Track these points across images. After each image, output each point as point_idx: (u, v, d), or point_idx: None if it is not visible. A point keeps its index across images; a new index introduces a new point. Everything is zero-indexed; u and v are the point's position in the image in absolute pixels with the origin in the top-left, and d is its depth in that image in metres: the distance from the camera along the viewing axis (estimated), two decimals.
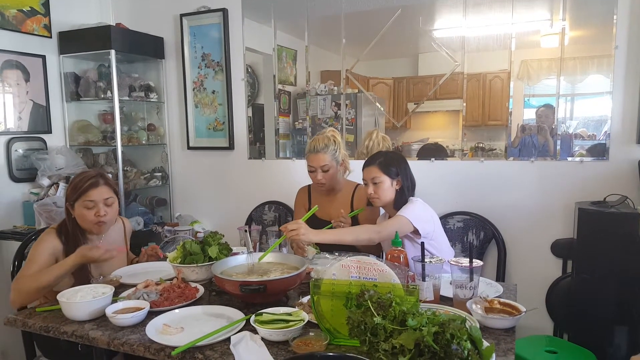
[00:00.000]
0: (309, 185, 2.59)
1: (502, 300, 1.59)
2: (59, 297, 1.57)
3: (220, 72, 3.34)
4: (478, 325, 1.39)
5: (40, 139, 3.17)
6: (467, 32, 2.71)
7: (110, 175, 2.19)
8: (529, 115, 2.72)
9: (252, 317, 1.45)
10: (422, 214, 2.09)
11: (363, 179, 2.20)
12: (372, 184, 2.14)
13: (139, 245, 2.37)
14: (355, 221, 2.40)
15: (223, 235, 2.01)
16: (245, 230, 2.11)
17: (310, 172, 2.40)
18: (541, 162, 2.61)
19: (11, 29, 2.96)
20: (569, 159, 2.56)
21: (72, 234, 1.98)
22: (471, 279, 1.59)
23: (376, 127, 3.16)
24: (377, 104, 3.07)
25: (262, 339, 1.38)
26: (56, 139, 3.27)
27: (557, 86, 2.56)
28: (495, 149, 2.79)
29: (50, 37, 3.21)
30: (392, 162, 2.15)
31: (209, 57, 3.37)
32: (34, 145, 3.12)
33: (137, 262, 2.22)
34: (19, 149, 3.03)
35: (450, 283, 1.67)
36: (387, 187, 2.13)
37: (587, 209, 2.27)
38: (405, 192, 2.16)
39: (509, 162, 2.68)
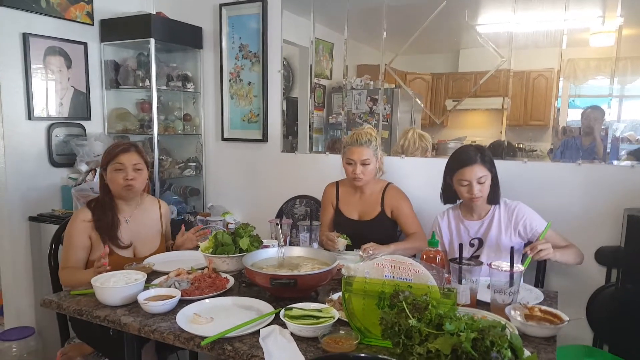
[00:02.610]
0: (337, 182, 2.56)
1: (543, 307, 1.52)
2: (93, 281, 1.59)
3: (257, 64, 3.33)
4: (517, 332, 1.33)
5: (80, 125, 3.23)
6: (515, 28, 2.60)
7: None
8: (573, 116, 2.60)
9: (282, 312, 1.43)
10: None
11: (463, 180, 2.03)
12: (478, 184, 2.00)
13: (173, 234, 2.39)
14: (384, 220, 2.35)
15: (254, 228, 2.00)
16: (277, 224, 2.09)
17: (347, 164, 2.36)
18: (588, 165, 2.48)
19: (55, 15, 3.02)
20: (615, 162, 2.43)
21: (102, 201, 2.09)
22: (511, 284, 1.52)
23: (412, 124, 3.09)
24: (417, 99, 2.99)
25: (292, 334, 1.36)
26: (95, 126, 3.33)
27: (609, 87, 2.42)
28: (536, 150, 2.68)
29: (92, 24, 3.26)
30: (488, 154, 2.05)
31: (247, 48, 3.36)
32: (73, 131, 3.18)
33: (176, 244, 2.26)
34: (59, 134, 3.10)
35: (488, 287, 1.60)
36: (489, 184, 2.04)
37: (637, 216, 2.15)
38: (498, 184, 2.09)
39: (553, 164, 2.56)
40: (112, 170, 2.06)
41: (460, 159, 2.05)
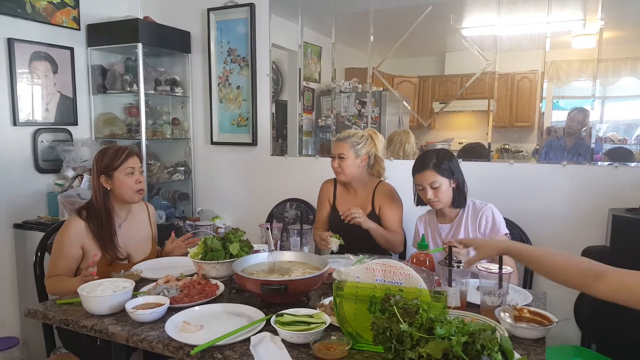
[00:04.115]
0: (335, 179, 2.57)
1: (532, 309, 1.53)
2: (79, 290, 1.56)
3: (246, 68, 3.32)
4: (507, 334, 1.34)
5: (66, 131, 3.20)
6: (499, 31, 2.63)
7: None
8: (557, 117, 2.64)
9: (273, 318, 1.42)
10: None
11: (417, 185, 2.12)
12: (431, 189, 2.06)
13: (162, 239, 2.37)
14: (374, 217, 2.36)
15: (244, 232, 1.99)
16: (267, 228, 2.08)
17: (331, 159, 2.43)
18: (573, 166, 2.51)
19: (41, 20, 2.99)
20: (599, 163, 2.47)
21: (102, 207, 2.03)
22: (500, 286, 1.53)
23: (400, 126, 3.11)
24: (404, 102, 3.01)
25: (283, 340, 1.35)
26: (82, 131, 3.30)
27: (592, 88, 2.47)
28: (522, 151, 2.72)
29: (79, 29, 3.23)
30: (445, 160, 2.08)
31: (235, 53, 3.35)
32: (59, 137, 3.15)
33: (165, 251, 2.24)
34: (45, 140, 3.06)
35: (478, 289, 1.61)
36: (446, 188, 2.07)
37: (622, 216, 2.19)
38: (462, 188, 2.11)
39: (539, 165, 2.59)
40: (123, 174, 2.02)
41: (415, 165, 2.14)
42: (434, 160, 2.06)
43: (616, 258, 2.21)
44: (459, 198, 2.10)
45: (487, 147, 2.76)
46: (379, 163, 2.49)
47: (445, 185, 2.06)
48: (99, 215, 2.02)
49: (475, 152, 2.80)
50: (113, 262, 2.01)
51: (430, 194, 2.06)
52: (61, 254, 1.97)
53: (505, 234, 2.08)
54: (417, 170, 2.11)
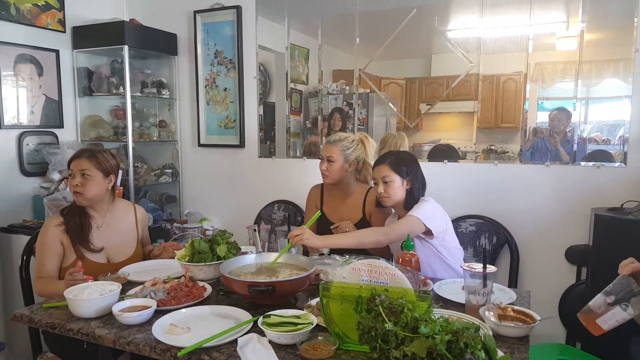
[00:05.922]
0: (323, 184, 2.57)
1: (515, 307, 1.55)
2: (65, 293, 1.56)
3: (233, 70, 3.32)
4: (491, 333, 1.36)
5: (52, 134, 3.17)
6: (483, 33, 2.66)
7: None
8: (542, 118, 2.68)
9: (260, 319, 1.43)
10: (433, 213, 2.05)
11: (373, 178, 2.17)
12: (383, 183, 2.10)
13: (152, 239, 2.36)
14: (365, 225, 2.37)
15: (232, 234, 1.99)
16: (255, 230, 2.09)
17: (320, 161, 2.42)
18: (557, 166, 2.55)
19: (26, 23, 2.97)
20: (582, 163, 2.51)
21: (73, 207, 2.09)
22: (484, 285, 1.55)
23: (387, 128, 3.12)
24: (390, 104, 3.03)
25: (270, 341, 1.36)
26: (68, 134, 3.27)
27: (574, 89, 2.51)
28: (508, 152, 2.75)
29: (64, 31, 3.21)
30: (402, 161, 2.12)
31: (222, 55, 3.35)
32: (45, 140, 3.12)
33: (152, 254, 2.23)
34: (30, 143, 3.04)
35: (463, 288, 1.63)
36: (398, 187, 2.09)
37: (604, 215, 2.22)
38: (415, 193, 2.12)
39: (523, 166, 2.63)
40: (68, 178, 2.07)
41: (375, 160, 2.20)
42: (392, 158, 2.12)
43: (598, 257, 2.25)
44: (411, 200, 2.10)
45: (456, 148, 2.83)
46: (366, 168, 2.48)
47: (397, 183, 2.08)
48: (74, 213, 2.07)
49: (444, 153, 2.85)
50: (84, 257, 2.01)
51: (380, 188, 2.10)
52: (44, 252, 2.00)
53: (417, 217, 1.98)
54: (374, 164, 2.17)
